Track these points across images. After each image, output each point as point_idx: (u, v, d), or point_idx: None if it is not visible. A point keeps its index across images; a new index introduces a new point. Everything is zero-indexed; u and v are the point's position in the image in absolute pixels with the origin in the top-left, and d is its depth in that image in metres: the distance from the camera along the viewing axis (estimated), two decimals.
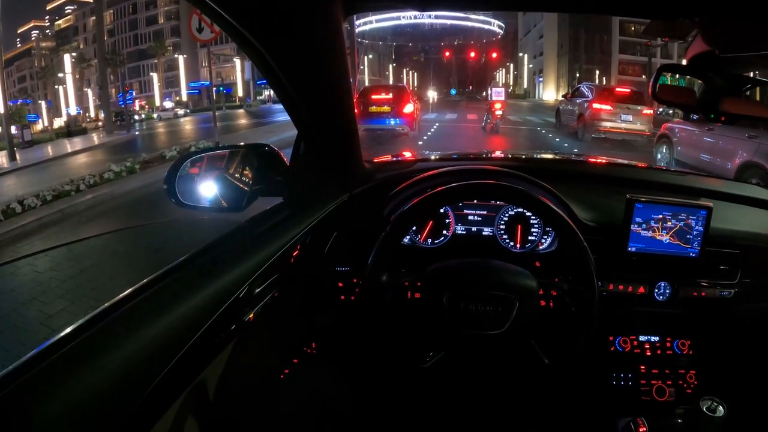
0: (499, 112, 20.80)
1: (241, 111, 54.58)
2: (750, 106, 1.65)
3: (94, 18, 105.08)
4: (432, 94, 64.47)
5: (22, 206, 11.04)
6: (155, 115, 63.94)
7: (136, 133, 37.82)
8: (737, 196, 2.27)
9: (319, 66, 1.55)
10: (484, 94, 29.97)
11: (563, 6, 2.00)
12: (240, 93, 76.62)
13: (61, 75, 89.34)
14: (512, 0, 1.70)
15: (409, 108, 19.11)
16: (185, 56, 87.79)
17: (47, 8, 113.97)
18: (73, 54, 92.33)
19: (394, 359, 1.77)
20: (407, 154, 2.79)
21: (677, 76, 1.80)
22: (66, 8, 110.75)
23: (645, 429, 1.79)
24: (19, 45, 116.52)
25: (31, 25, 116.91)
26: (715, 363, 2.12)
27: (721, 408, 1.67)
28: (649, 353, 2.13)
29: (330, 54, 1.53)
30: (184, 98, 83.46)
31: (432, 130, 22.54)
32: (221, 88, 78.08)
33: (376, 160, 2.45)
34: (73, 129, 51.28)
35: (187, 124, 43.18)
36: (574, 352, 1.69)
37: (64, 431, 0.89)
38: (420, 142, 18.75)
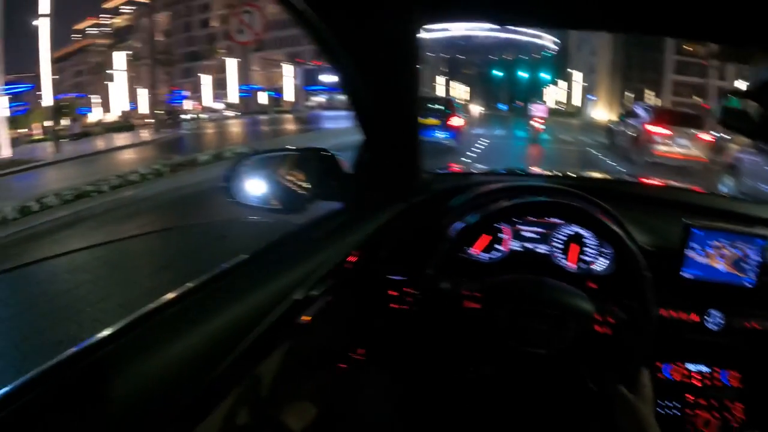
0: (540, 126, 24.37)
1: (289, 116, 54.60)
2: None
3: (150, 18, 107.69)
4: (479, 108, 64.02)
5: (40, 205, 11.01)
6: (205, 116, 64.60)
7: (183, 132, 38.29)
8: None
9: (394, 73, 1.63)
10: (530, 109, 29.11)
11: (637, 27, 1.87)
12: (289, 98, 76.85)
13: (110, 72, 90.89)
14: (587, 20, 1.70)
15: (456, 121, 19.67)
16: (239, 60, 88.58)
17: (104, 6, 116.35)
18: (128, 52, 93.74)
19: (442, 366, 1.83)
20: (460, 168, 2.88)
21: (745, 101, 1.66)
22: (123, 8, 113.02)
23: None
24: (76, 41, 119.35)
25: (89, 23, 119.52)
26: (764, 398, 2.02)
27: None
28: (697, 383, 2.05)
29: (405, 62, 1.62)
30: (229, 100, 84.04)
31: (480, 146, 22.15)
32: (270, 92, 78.69)
33: (433, 171, 2.43)
34: (123, 124, 51.86)
35: (234, 126, 43.44)
36: (622, 381, 1.67)
37: (131, 408, 0.95)
38: (467, 159, 18.39)
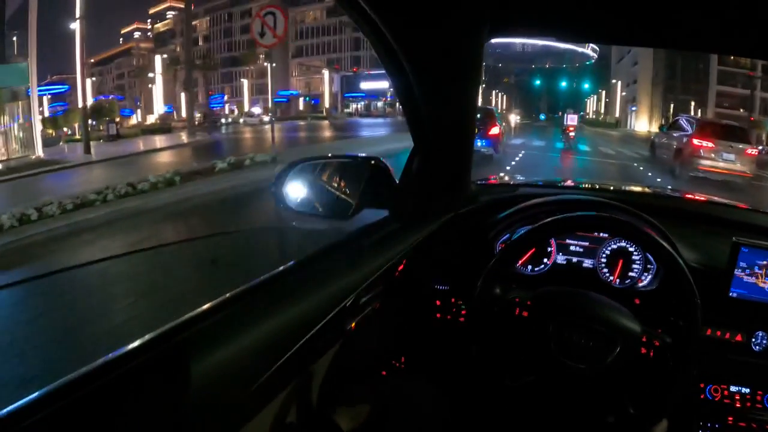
0: (572, 134, 27.58)
1: (325, 122, 54.46)
2: None
3: (192, 23, 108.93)
4: (517, 118, 63.45)
5: (39, 213, 10.63)
6: (241, 120, 64.71)
7: (218, 136, 38.35)
8: None
9: (456, 84, 1.62)
10: (564, 118, 31.24)
11: (691, 45, 1.75)
12: (327, 104, 76.86)
13: (151, 75, 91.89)
14: (644, 38, 1.73)
15: (495, 130, 19.23)
16: (273, 65, 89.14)
17: (150, 12, 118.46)
18: (164, 56, 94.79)
19: (486, 372, 1.80)
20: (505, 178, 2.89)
21: None
22: (168, 13, 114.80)
23: None
24: (121, 44, 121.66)
25: (134, 26, 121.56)
26: None
27: None
28: (738, 405, 1.97)
29: (468, 74, 1.62)
30: (268, 105, 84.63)
31: (518, 157, 21.59)
32: (307, 98, 78.89)
33: (480, 182, 2.47)
34: (160, 126, 52.41)
35: (270, 132, 43.43)
36: (663, 406, 1.68)
37: (185, 406, 0.98)
38: (504, 172, 17.65)
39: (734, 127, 19.08)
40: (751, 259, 1.90)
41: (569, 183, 2.92)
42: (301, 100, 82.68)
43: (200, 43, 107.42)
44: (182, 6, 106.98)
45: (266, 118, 65.46)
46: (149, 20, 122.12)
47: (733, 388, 1.99)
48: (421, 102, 1.67)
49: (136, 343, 0.98)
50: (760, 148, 18.24)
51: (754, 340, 1.95)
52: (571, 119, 29.15)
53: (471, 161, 2.05)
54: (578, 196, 2.20)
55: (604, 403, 1.76)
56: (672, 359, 1.69)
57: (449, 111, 1.75)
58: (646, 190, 3.21)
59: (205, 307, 1.14)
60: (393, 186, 1.88)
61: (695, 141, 17.09)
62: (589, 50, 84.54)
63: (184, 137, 36.32)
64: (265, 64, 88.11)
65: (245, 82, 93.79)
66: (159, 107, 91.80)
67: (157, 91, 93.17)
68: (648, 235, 1.72)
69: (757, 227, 2.14)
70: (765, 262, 1.89)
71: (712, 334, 1.94)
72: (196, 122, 46.99)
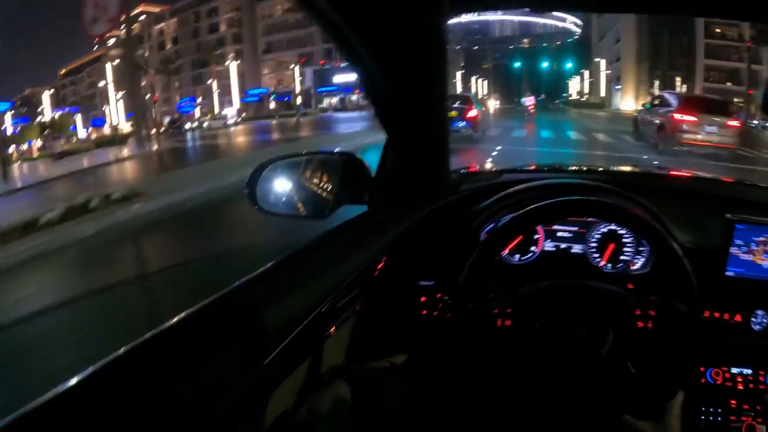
0: (532, 111, 37.10)
1: (296, 120, 51.49)
2: None
3: (158, 26, 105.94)
4: (497, 103, 61.33)
5: None
6: (205, 124, 61.65)
7: (168, 145, 35.18)
8: None
9: (419, 67, 1.58)
10: (523, 101, 39.14)
11: (673, 7, 1.79)
12: (298, 101, 73.80)
13: (102, 84, 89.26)
14: (619, 2, 1.71)
15: (472, 113, 21.82)
16: (238, 62, 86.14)
17: (123, 17, 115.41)
18: (116, 62, 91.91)
19: (482, 384, 1.77)
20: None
21: None
22: (141, 18, 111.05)
23: None
24: (94, 51, 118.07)
25: (108, 33, 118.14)
26: None
27: None
28: (741, 387, 1.96)
29: (431, 55, 1.57)
30: (237, 106, 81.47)
31: (491, 156, 19.02)
32: (274, 96, 76.10)
33: (462, 171, 2.37)
34: (113, 138, 49.64)
35: (233, 136, 40.25)
36: (675, 376, 1.66)
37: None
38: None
39: (716, 101, 19.70)
40: (746, 236, 1.87)
41: (556, 166, 2.77)
42: (272, 98, 79.91)
43: (168, 45, 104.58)
44: (155, 10, 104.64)
45: (231, 121, 62.72)
46: (122, 26, 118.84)
47: (734, 370, 1.97)
48: (387, 92, 1.62)
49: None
50: (752, 122, 18.47)
51: (753, 319, 1.93)
52: (529, 101, 41.72)
53: (447, 150, 1.94)
54: (563, 180, 2.14)
55: (607, 393, 1.71)
56: (673, 324, 1.65)
57: (417, 98, 1.67)
58: (635, 169, 3.09)
59: (180, 316, 1.11)
60: (370, 181, 1.84)
61: (677, 116, 17.54)
62: (571, 25, 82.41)
63: (129, 150, 33.71)
64: (227, 63, 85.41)
65: (214, 83, 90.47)
66: (121, 115, 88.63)
67: (113, 97, 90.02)
68: (637, 217, 1.65)
69: (748, 202, 2.12)
70: (762, 238, 1.86)
71: (710, 316, 1.92)
72: (162, 128, 44.03)
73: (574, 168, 2.69)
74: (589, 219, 2.04)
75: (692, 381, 1.94)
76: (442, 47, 1.57)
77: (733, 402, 1.94)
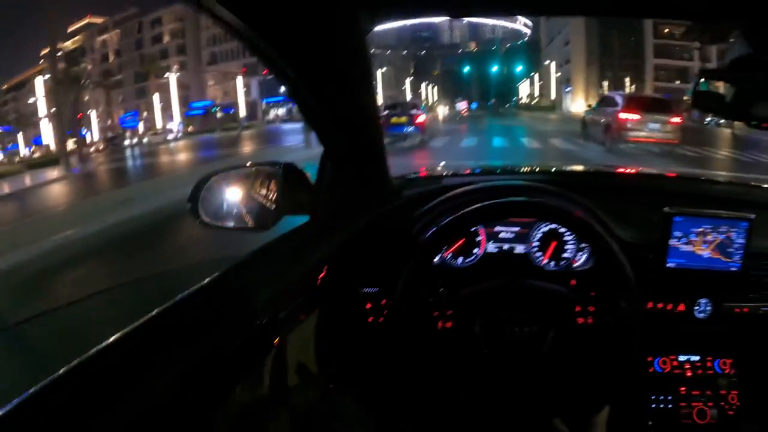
0: (465, 114, 36.81)
1: (243, 132, 49.44)
2: None
3: (101, 38, 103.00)
4: (446, 109, 60.81)
5: None
6: (145, 140, 59.21)
7: (93, 167, 33.30)
8: None
9: (343, 78, 1.56)
10: (457, 106, 39.78)
11: (604, 9, 1.78)
12: (243, 112, 71.54)
13: (32, 101, 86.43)
14: (546, 5, 1.69)
15: (420, 119, 23.43)
16: (178, 75, 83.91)
17: (69, 30, 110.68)
18: (46, 77, 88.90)
19: (426, 392, 1.82)
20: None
21: (717, 82, 1.64)
22: (87, 30, 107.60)
23: None
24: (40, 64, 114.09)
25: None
26: (759, 383, 2.05)
27: None
28: (689, 374, 2.07)
29: (355, 66, 1.55)
30: (177, 120, 79.03)
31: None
32: (215, 108, 74.07)
33: (406, 176, 2.40)
34: (46, 159, 47.25)
35: (169, 153, 38.06)
36: (617, 370, 1.73)
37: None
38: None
39: (659, 99, 21.39)
40: (685, 228, 1.94)
41: (501, 168, 2.76)
42: (214, 110, 77.78)
43: (111, 58, 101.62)
44: (99, 21, 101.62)
45: (171, 136, 60.38)
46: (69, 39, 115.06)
47: (682, 358, 2.06)
48: (314, 104, 1.59)
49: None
50: (695, 115, 19.72)
51: (696, 308, 1.99)
52: (462, 105, 41.37)
53: (384, 157, 1.97)
54: (503, 182, 2.18)
55: (548, 389, 1.77)
56: (613, 319, 1.73)
57: (347, 110, 1.67)
58: (578, 168, 3.19)
59: (117, 336, 1.11)
60: (311, 190, 1.86)
61: (622, 115, 18.43)
62: (521, 26, 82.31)
63: (51, 174, 30.56)
64: (167, 75, 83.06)
65: (156, 97, 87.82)
66: (59, 134, 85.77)
67: (46, 114, 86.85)
68: (575, 217, 1.70)
69: (692, 195, 2.24)
70: (700, 229, 1.93)
71: (653, 306, 1.97)
72: (101, 146, 41.82)
73: (520, 170, 2.64)
74: (530, 219, 2.05)
75: (637, 373, 2.00)
76: (365, 57, 1.54)
77: (683, 389, 2.02)
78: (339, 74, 1.53)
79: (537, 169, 2.66)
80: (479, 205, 1.70)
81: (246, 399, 1.46)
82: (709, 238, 1.95)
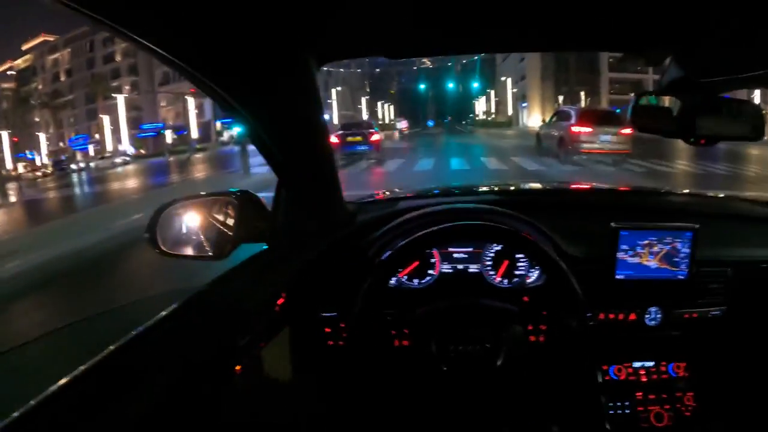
0: (406, 132, 35.07)
1: (193, 156, 47.77)
2: (728, 126, 1.69)
3: (53, 56, 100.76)
4: (401, 126, 60.38)
5: None
6: (92, 164, 57.18)
7: (24, 197, 30.50)
8: (725, 215, 2.39)
9: (294, 117, 1.62)
10: (398, 125, 39.71)
11: (536, 46, 1.88)
12: (195, 134, 69.60)
13: None
14: (481, 43, 1.73)
15: (375, 138, 25.01)
16: (127, 96, 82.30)
17: (23, 48, 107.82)
18: None
19: (384, 407, 1.96)
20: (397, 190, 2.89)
21: (655, 100, 1.76)
22: (41, 48, 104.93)
23: None
24: None
25: (7, 65, 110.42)
26: (712, 383, 2.14)
27: None
28: (644, 379, 2.14)
29: (304, 104, 1.61)
30: (126, 142, 77.23)
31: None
32: (162, 131, 72.35)
33: (362, 201, 2.45)
34: None
35: (111, 180, 36.48)
36: (568, 384, 1.94)
37: None
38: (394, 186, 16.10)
39: (610, 112, 22.43)
40: (631, 241, 2.01)
41: (457, 188, 2.77)
42: (168, 132, 75.88)
43: (62, 77, 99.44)
44: (52, 39, 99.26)
45: (119, 160, 58.50)
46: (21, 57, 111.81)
47: (636, 364, 2.13)
48: (266, 137, 1.63)
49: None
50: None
51: (647, 316, 2.08)
52: (402, 124, 41.11)
53: (338, 182, 2.00)
54: (455, 206, 2.19)
55: (503, 404, 1.94)
56: (563, 337, 1.87)
57: (297, 140, 1.71)
58: (532, 186, 3.45)
59: (70, 376, 1.13)
60: (267, 218, 1.87)
61: (574, 129, 19.20)
62: None
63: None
64: (116, 96, 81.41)
65: (106, 119, 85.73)
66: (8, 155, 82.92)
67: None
68: (520, 237, 1.81)
69: (639, 208, 2.35)
70: (646, 241, 2.01)
71: (605, 317, 2.05)
72: (49, 170, 40.28)
73: (475, 189, 2.73)
74: (481, 240, 2.12)
75: (591, 383, 2.08)
76: (314, 93, 1.59)
77: (639, 394, 2.09)
78: (289, 110, 1.57)
79: (492, 189, 2.73)
80: (429, 230, 1.77)
81: (211, 423, 1.45)
82: (656, 249, 2.02)
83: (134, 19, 1.01)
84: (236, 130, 75.82)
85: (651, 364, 2.13)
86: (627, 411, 2.07)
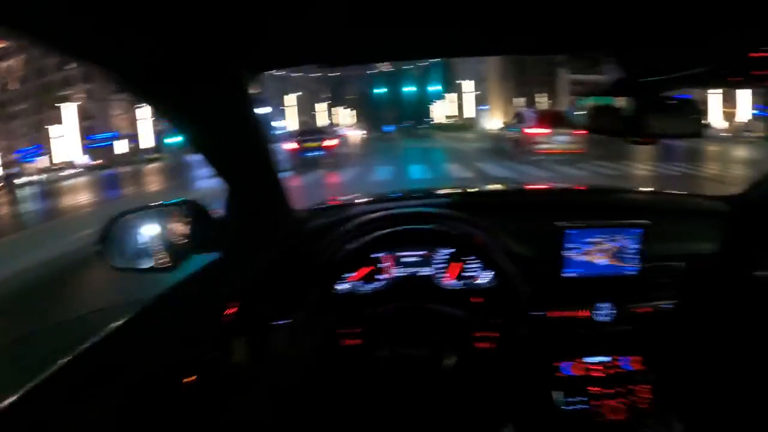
0: (343, 139, 32.36)
1: (139, 167, 46.41)
2: (671, 124, 1.71)
3: (6, 63, 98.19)
4: (360, 132, 59.80)
5: None
6: (35, 177, 55.22)
7: None
8: (674, 210, 2.47)
9: (230, 127, 1.59)
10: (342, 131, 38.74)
11: (474, 49, 1.84)
12: (150, 143, 68.15)
13: None
14: (417, 48, 1.69)
15: (330, 143, 26.05)
16: (78, 104, 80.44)
17: None
18: None
19: (332, 409, 1.97)
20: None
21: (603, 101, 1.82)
22: None
23: None
24: None
25: None
26: (667, 376, 2.17)
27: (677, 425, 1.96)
28: (599, 374, 2.15)
29: (239, 114, 1.59)
30: (77, 152, 75.41)
31: None
32: (110, 142, 70.87)
33: (315, 207, 2.47)
34: None
35: (70, 194, 35.23)
36: (518, 383, 1.99)
37: None
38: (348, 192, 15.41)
39: (564, 113, 23.31)
40: (579, 239, 2.05)
41: (411, 193, 2.81)
42: (125, 141, 74.16)
43: (14, 85, 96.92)
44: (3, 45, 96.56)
45: (67, 172, 56.91)
46: None
47: (591, 360, 2.15)
48: (206, 150, 1.61)
49: None
50: None
51: (598, 312, 2.12)
52: (352, 131, 35.46)
53: (284, 191, 1.96)
54: (406, 210, 2.23)
55: (449, 407, 1.94)
56: (509, 343, 1.90)
57: (238, 151, 1.69)
58: (488, 188, 3.53)
59: (29, 386, 1.14)
60: (217, 228, 1.84)
61: (530, 130, 20.41)
62: None
63: None
64: (62, 105, 79.62)
65: (58, 128, 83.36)
66: None
67: None
68: (467, 240, 1.89)
69: (589, 206, 2.39)
70: (594, 239, 2.05)
71: (556, 316, 2.11)
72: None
73: (429, 192, 2.77)
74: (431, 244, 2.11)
75: (545, 379, 2.12)
76: (248, 105, 1.57)
77: (595, 389, 2.10)
78: (223, 121, 1.54)
79: (447, 192, 2.71)
80: (374, 234, 1.82)
81: None
82: (606, 246, 2.05)
83: (55, 25, 0.99)
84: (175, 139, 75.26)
85: (606, 359, 2.15)
86: (583, 406, 2.08)
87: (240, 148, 1.68)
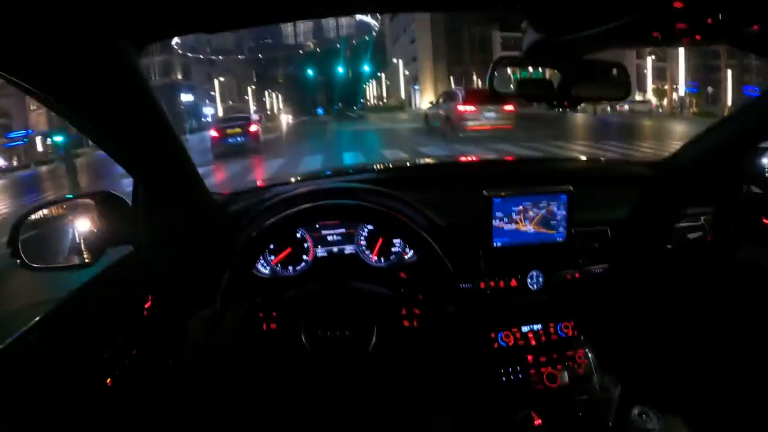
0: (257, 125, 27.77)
1: (55, 165, 43.70)
2: (598, 88, 1.68)
3: None
4: (290, 118, 57.93)
5: None
6: None
7: None
8: (602, 177, 2.51)
9: (123, 109, 1.44)
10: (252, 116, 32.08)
11: (378, 5, 1.62)
12: (58, 139, 64.96)
13: None
14: (305, 5, 1.53)
15: (253, 128, 24.58)
16: None
17: None
18: None
19: (253, 396, 1.95)
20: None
21: (532, 69, 1.71)
22: None
23: (540, 421, 1.85)
24: None
25: None
26: (601, 339, 2.14)
27: (615, 385, 1.91)
28: (534, 342, 2.13)
29: (131, 94, 1.43)
30: None
31: None
32: (27, 139, 67.34)
33: (234, 192, 2.34)
34: None
35: None
36: (443, 366, 1.97)
37: None
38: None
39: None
40: (506, 208, 2.02)
41: (341, 170, 2.70)
42: (38, 139, 70.31)
43: None
44: None
45: None
46: None
47: (524, 329, 2.11)
48: (100, 135, 1.46)
49: None
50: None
51: (529, 280, 2.09)
52: (255, 115, 34.60)
53: (197, 175, 1.87)
54: (327, 186, 2.15)
55: (388, 380, 1.94)
56: (436, 321, 1.84)
57: (138, 135, 1.53)
58: (417, 162, 3.49)
59: None
60: (131, 219, 1.78)
61: (460, 107, 20.08)
62: (370, 18, 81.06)
63: None
64: None
65: None
66: None
67: None
68: (384, 213, 1.77)
69: (514, 175, 2.43)
70: (520, 207, 2.02)
71: (487, 286, 2.05)
72: None
73: (352, 169, 2.71)
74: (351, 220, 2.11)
75: (483, 349, 2.07)
76: (142, 82, 1.40)
77: (530, 357, 2.05)
78: (116, 104, 1.40)
79: (380, 167, 2.62)
80: (292, 210, 1.73)
81: None
82: (531, 214, 2.03)
83: None
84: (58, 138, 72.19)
85: (539, 326, 2.12)
86: (519, 376, 2.03)
87: (138, 131, 1.50)
